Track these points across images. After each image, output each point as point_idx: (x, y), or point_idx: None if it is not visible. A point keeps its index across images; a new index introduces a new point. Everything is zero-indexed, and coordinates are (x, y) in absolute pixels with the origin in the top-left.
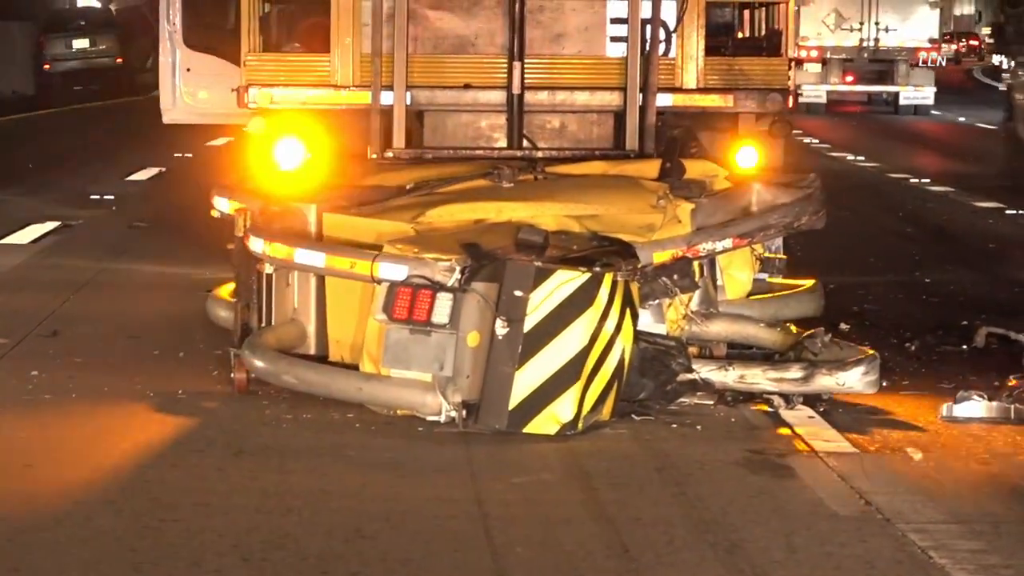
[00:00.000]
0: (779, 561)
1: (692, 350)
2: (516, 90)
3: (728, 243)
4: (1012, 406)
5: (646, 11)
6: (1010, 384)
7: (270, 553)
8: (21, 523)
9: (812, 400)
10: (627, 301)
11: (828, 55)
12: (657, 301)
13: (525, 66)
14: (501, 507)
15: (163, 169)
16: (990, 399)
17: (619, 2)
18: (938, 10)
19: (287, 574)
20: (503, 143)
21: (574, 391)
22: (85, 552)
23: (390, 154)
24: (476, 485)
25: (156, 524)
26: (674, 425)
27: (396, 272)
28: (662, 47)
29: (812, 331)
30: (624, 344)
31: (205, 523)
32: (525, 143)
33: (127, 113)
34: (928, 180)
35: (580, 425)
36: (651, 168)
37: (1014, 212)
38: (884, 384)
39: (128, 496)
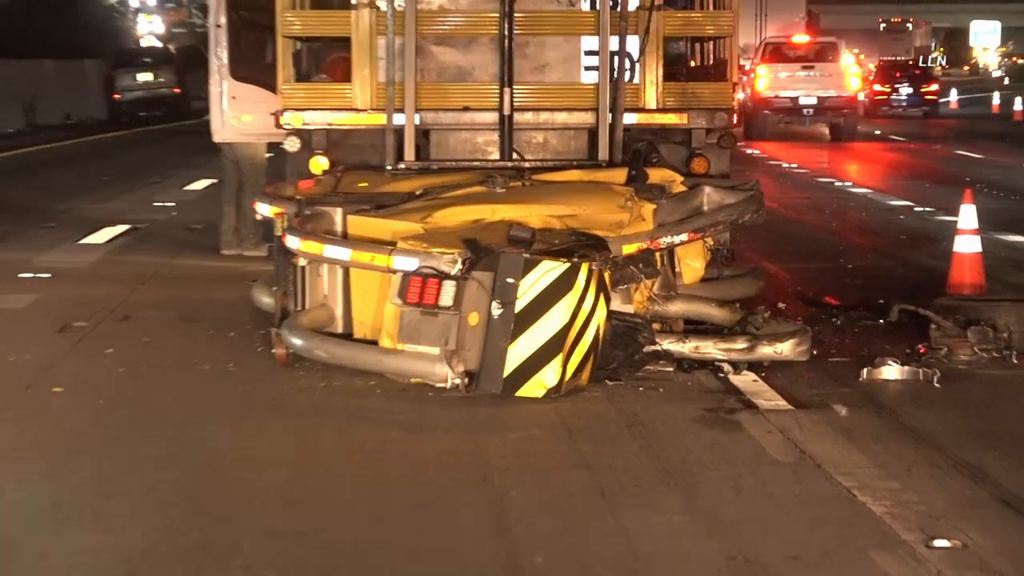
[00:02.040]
0: (729, 501)
1: (655, 326)
2: (506, 111)
3: (684, 237)
4: (921, 370)
5: (614, 45)
6: (919, 351)
7: (308, 497)
8: (99, 472)
9: (755, 366)
10: (601, 286)
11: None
12: (626, 286)
13: (514, 91)
14: (498, 458)
15: (215, 181)
16: (902, 364)
17: (591, 37)
18: None
19: (321, 518)
20: (496, 156)
21: (557, 361)
22: (151, 499)
23: (402, 165)
24: (477, 440)
25: (210, 473)
26: (641, 388)
27: (409, 264)
28: (628, 74)
29: (754, 309)
30: (598, 322)
31: (252, 474)
32: (514, 156)
33: (184, 134)
34: (850, 183)
35: (562, 390)
36: (619, 175)
37: (921, 209)
38: (814, 352)
39: (186, 450)
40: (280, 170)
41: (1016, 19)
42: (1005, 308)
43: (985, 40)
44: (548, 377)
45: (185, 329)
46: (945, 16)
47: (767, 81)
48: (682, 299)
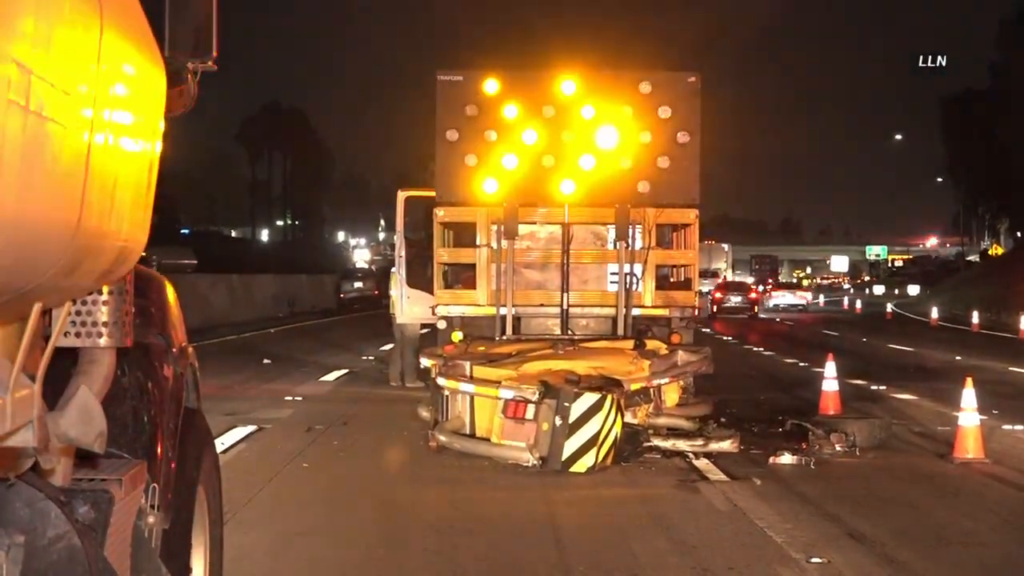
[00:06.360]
0: (691, 532)
1: (650, 431)
2: (565, 306)
3: (666, 380)
4: (803, 458)
5: (627, 269)
6: (803, 447)
7: (454, 515)
8: (328, 507)
9: (708, 455)
10: (619, 408)
11: None
12: (633, 407)
13: (569, 295)
14: (557, 503)
15: (389, 345)
16: (793, 454)
17: (614, 264)
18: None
19: (459, 529)
20: (559, 332)
21: (593, 451)
22: (355, 518)
23: (504, 337)
24: (546, 493)
25: (391, 507)
26: (641, 468)
27: (508, 394)
28: (634, 286)
29: (707, 421)
30: (617, 428)
31: (417, 507)
32: (569, 332)
33: (378, 318)
34: (762, 348)
35: (596, 468)
36: (629, 344)
37: (805, 364)
38: (742, 447)
39: (379, 494)
40: (433, 339)
41: (858, 255)
42: (851, 422)
43: (840, 266)
44: (588, 460)
45: (380, 430)
46: (823, 252)
47: None
48: (665, 415)
